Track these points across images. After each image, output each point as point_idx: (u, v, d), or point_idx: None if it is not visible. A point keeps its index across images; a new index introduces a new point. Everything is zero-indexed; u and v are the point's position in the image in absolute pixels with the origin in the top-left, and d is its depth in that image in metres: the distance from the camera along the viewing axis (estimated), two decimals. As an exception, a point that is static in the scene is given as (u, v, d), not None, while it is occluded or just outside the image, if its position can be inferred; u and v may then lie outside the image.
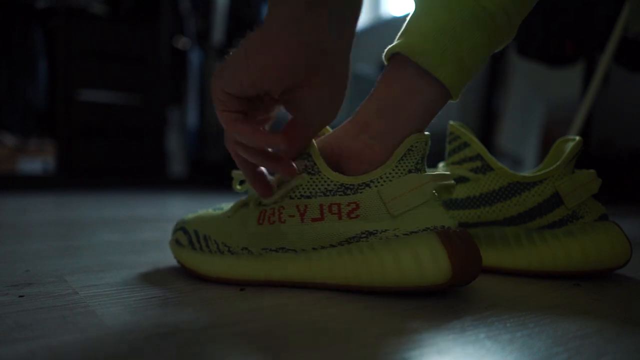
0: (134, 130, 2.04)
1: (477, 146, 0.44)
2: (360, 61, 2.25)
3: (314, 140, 0.36)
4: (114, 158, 2.00)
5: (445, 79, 0.34)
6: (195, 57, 2.28)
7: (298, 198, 0.36)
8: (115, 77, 1.99)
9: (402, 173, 0.34)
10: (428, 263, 0.32)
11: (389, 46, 0.36)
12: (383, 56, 0.38)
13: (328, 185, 0.35)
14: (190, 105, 2.27)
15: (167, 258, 0.50)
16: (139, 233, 0.68)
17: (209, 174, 2.31)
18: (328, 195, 0.35)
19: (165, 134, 2.11)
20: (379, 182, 0.34)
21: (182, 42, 2.24)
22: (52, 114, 1.93)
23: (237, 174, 0.41)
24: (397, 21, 2.10)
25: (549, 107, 1.78)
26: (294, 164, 0.36)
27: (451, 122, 0.47)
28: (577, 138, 0.42)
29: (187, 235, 0.41)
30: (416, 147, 0.34)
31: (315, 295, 0.35)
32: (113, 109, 1.98)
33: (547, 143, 1.74)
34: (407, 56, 0.34)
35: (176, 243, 0.42)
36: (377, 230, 0.34)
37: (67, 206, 1.14)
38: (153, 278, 0.40)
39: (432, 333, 0.27)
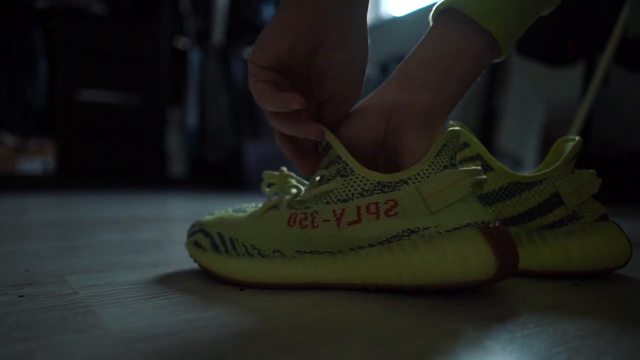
0: (134, 130, 2.04)
1: (477, 146, 0.44)
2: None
3: (339, 143, 0.36)
4: (114, 158, 2.00)
5: (496, 31, 0.34)
6: (195, 57, 2.28)
7: (335, 202, 0.35)
8: (115, 77, 1.99)
9: (438, 169, 0.33)
10: (473, 259, 0.31)
11: (437, 3, 0.36)
12: (430, 16, 0.38)
13: (365, 184, 0.34)
14: (190, 105, 2.27)
15: (167, 258, 0.50)
16: (139, 233, 0.68)
17: (209, 174, 2.31)
18: (365, 196, 0.34)
19: (165, 134, 2.11)
20: (416, 179, 0.33)
21: (182, 42, 2.24)
22: (52, 114, 1.93)
23: (267, 175, 0.41)
24: (397, 21, 2.10)
25: (549, 107, 1.78)
26: (321, 127, 0.36)
27: (451, 122, 0.47)
28: (577, 138, 0.42)
29: (209, 238, 0.40)
30: (450, 142, 0.34)
31: (324, 295, 0.35)
32: (113, 109, 1.98)
33: (547, 143, 1.74)
34: (457, 9, 0.35)
35: (195, 245, 0.41)
36: (418, 228, 0.33)
37: (67, 206, 1.14)
38: (153, 278, 0.40)
39: (431, 333, 0.27)
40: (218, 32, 2.31)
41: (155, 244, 0.59)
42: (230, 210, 0.43)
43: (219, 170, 2.39)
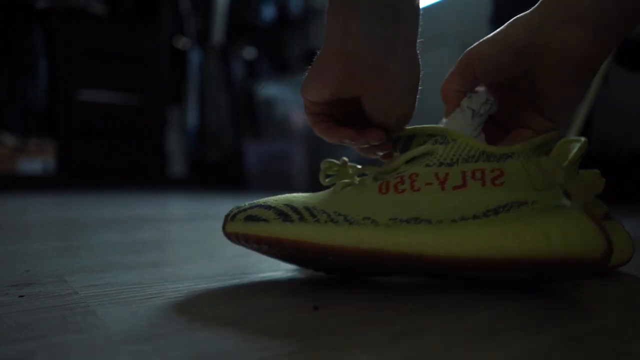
0: (134, 130, 2.04)
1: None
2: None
3: (426, 126, 0.35)
4: (114, 158, 2.00)
5: None
6: (195, 57, 2.28)
7: (437, 166, 0.34)
8: (115, 77, 1.99)
9: (539, 153, 0.34)
10: (590, 236, 0.31)
11: None
12: None
13: (469, 151, 0.34)
14: (190, 105, 2.27)
15: (167, 258, 0.50)
16: (139, 233, 0.68)
17: (209, 174, 2.31)
18: (470, 162, 0.33)
19: (165, 134, 2.11)
20: (521, 155, 0.33)
21: (182, 42, 2.24)
22: (52, 114, 1.93)
23: (326, 164, 0.38)
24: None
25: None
26: (379, 131, 0.35)
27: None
28: (582, 139, 0.42)
29: (271, 210, 0.35)
30: (551, 141, 0.34)
31: (323, 295, 0.35)
32: (113, 109, 1.98)
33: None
34: None
35: (248, 220, 0.35)
36: (527, 201, 0.32)
37: (67, 206, 1.14)
38: (153, 278, 0.40)
39: (433, 333, 0.27)
40: (218, 32, 2.31)
41: (155, 244, 0.59)
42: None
43: (219, 170, 2.39)
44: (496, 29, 0.36)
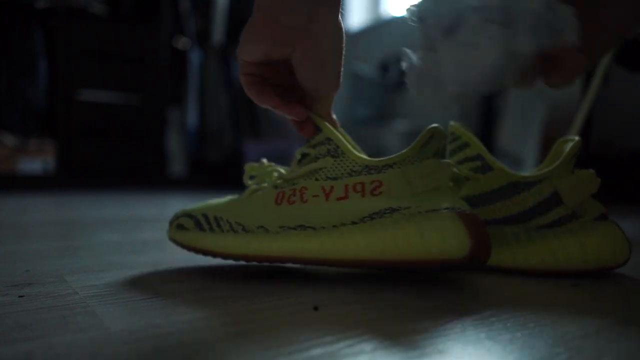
0: (134, 130, 2.04)
1: (477, 146, 0.44)
2: (361, 61, 2.25)
3: (331, 127, 0.38)
4: (114, 158, 2.00)
5: None
6: (195, 57, 2.28)
7: (324, 180, 0.38)
8: (115, 77, 1.99)
9: (425, 158, 0.36)
10: (451, 236, 0.33)
11: None
12: None
13: (353, 166, 0.37)
14: (190, 105, 2.27)
15: (167, 258, 0.50)
16: (139, 233, 0.68)
17: (209, 174, 2.31)
18: (353, 176, 0.37)
19: (165, 134, 2.11)
20: (402, 164, 0.36)
21: (182, 42, 2.24)
22: (52, 114, 1.93)
23: (249, 166, 0.43)
24: (397, 21, 2.10)
25: (549, 107, 1.78)
26: (302, 108, 0.39)
27: (451, 123, 0.47)
28: (577, 138, 0.42)
29: (192, 219, 0.42)
30: (436, 137, 0.36)
31: (323, 295, 0.35)
32: (113, 109, 1.98)
33: (547, 143, 1.74)
34: None
35: (178, 228, 0.43)
36: (400, 207, 0.35)
37: (67, 206, 1.14)
38: (153, 278, 0.40)
39: (433, 333, 0.27)
40: (218, 32, 2.31)
41: (155, 244, 0.59)
42: (212, 200, 0.45)
43: (219, 170, 2.39)
44: None
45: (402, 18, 2.06)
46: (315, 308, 0.31)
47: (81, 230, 0.71)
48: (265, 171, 0.42)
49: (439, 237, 0.33)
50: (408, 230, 0.34)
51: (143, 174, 2.06)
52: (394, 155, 0.36)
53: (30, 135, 1.92)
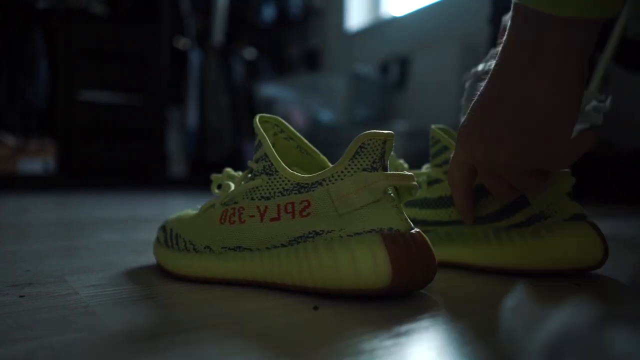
0: (134, 131, 2.04)
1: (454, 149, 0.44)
2: (360, 61, 2.25)
3: (268, 141, 0.37)
4: (114, 158, 2.00)
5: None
6: (195, 57, 2.28)
7: (259, 199, 0.37)
8: (115, 77, 1.99)
9: (355, 171, 0.33)
10: (365, 267, 0.31)
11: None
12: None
13: (285, 184, 0.35)
14: (190, 105, 2.27)
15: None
16: (139, 233, 0.68)
17: (209, 174, 2.31)
18: (285, 195, 0.35)
19: (165, 134, 2.11)
20: (330, 181, 0.33)
21: (182, 42, 2.24)
22: (52, 114, 1.93)
23: (215, 177, 0.43)
24: (397, 21, 2.10)
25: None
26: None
27: (433, 127, 0.47)
28: None
29: (164, 234, 0.43)
30: (370, 145, 0.32)
31: (323, 295, 0.35)
32: (113, 109, 1.98)
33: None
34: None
35: (157, 241, 0.44)
36: (323, 231, 0.33)
37: (67, 206, 1.14)
38: (153, 278, 0.40)
39: (432, 333, 0.27)
40: (218, 32, 2.31)
41: (155, 244, 0.59)
42: (191, 209, 0.45)
43: (219, 170, 2.39)
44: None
45: (402, 18, 2.06)
46: (315, 308, 0.32)
47: (82, 230, 0.71)
48: (224, 182, 0.41)
49: (352, 268, 0.31)
50: (323, 258, 0.32)
51: (143, 174, 2.06)
52: (325, 170, 0.34)
53: (31, 136, 1.92)
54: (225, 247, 0.38)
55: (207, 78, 2.32)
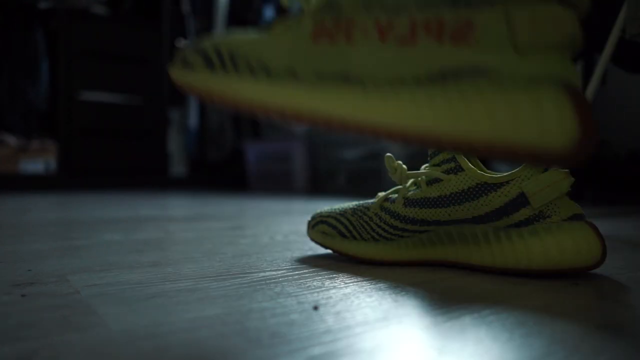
0: (135, 131, 2.04)
1: None
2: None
3: None
4: (115, 158, 2.00)
5: None
6: (195, 58, 2.28)
7: (380, 11, 0.27)
8: (116, 77, 1.99)
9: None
10: (552, 117, 0.23)
11: None
12: None
13: None
14: (191, 105, 2.27)
15: (168, 257, 0.50)
16: (140, 233, 0.68)
17: (209, 174, 2.31)
18: (426, 8, 0.26)
19: (166, 134, 2.12)
20: (510, 2, 0.25)
21: (183, 43, 2.24)
22: (53, 114, 1.93)
23: None
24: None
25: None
26: None
27: None
28: None
29: (203, 55, 0.30)
30: None
31: (323, 295, 0.35)
32: (114, 109, 1.99)
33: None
34: None
35: (182, 64, 0.31)
36: (487, 69, 0.25)
37: (68, 206, 1.14)
38: (154, 277, 0.41)
39: (432, 332, 0.27)
40: (219, 33, 2.31)
41: (156, 243, 0.59)
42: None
43: (220, 170, 2.39)
44: None
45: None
46: (315, 308, 0.32)
47: (83, 230, 0.71)
48: None
49: (535, 116, 0.24)
50: (495, 103, 0.24)
51: (144, 174, 2.06)
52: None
53: (32, 136, 1.92)
54: (321, 73, 0.27)
55: (207, 78, 2.33)
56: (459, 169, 0.44)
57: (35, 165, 1.91)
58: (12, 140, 1.87)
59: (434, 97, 0.25)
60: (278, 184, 2.00)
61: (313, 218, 0.52)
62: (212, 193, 1.76)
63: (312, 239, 0.51)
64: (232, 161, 2.41)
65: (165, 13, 2.11)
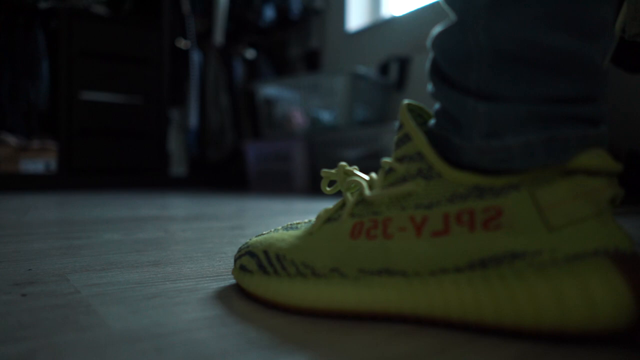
0: (135, 131, 2.04)
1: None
2: (360, 61, 2.25)
3: (422, 136, 0.29)
4: (116, 158, 2.00)
5: None
6: (196, 58, 2.28)
7: (413, 208, 0.28)
8: (116, 77, 2.00)
9: (563, 174, 0.26)
10: (603, 299, 0.23)
11: None
12: None
13: (456, 188, 0.27)
14: (192, 105, 2.27)
15: (168, 257, 0.50)
16: (140, 232, 0.68)
17: (209, 174, 2.31)
18: (456, 202, 0.27)
19: (166, 134, 2.12)
20: (532, 183, 0.26)
21: (183, 43, 2.24)
22: (54, 114, 1.94)
23: (325, 173, 0.35)
24: (397, 21, 2.10)
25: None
26: (402, 106, 0.31)
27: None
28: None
29: (254, 259, 0.33)
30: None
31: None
32: (115, 109, 1.99)
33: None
34: None
35: (241, 270, 0.35)
36: (525, 252, 0.25)
37: (68, 206, 1.14)
38: (154, 277, 0.41)
39: (432, 333, 0.27)
40: (219, 33, 2.31)
41: (156, 243, 0.59)
42: (280, 228, 0.36)
43: (220, 170, 2.40)
44: None
45: (402, 18, 2.06)
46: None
47: (83, 229, 0.71)
48: (343, 177, 0.34)
49: (586, 301, 0.23)
50: (538, 288, 0.24)
51: (144, 173, 2.06)
52: (519, 174, 0.26)
53: (33, 136, 1.92)
54: (364, 271, 0.29)
55: (207, 78, 2.33)
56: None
57: (36, 164, 1.91)
58: (12, 139, 1.87)
59: (475, 284, 0.26)
60: (278, 183, 2.01)
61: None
62: (212, 193, 1.77)
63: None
64: (232, 161, 2.41)
65: (165, 13, 2.11)
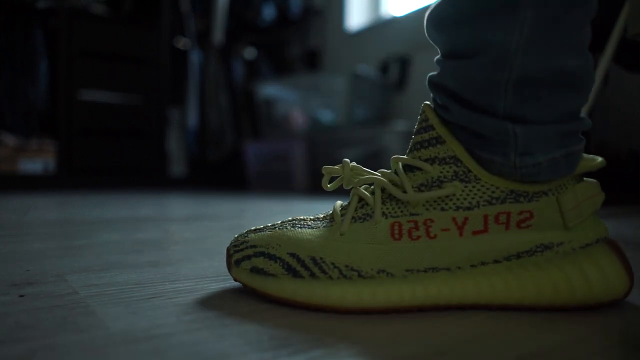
0: (134, 130, 2.04)
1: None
2: (360, 61, 2.25)
3: (457, 142, 0.32)
4: (115, 158, 2.00)
5: None
6: (195, 57, 2.28)
7: (454, 209, 0.31)
8: (116, 77, 1.99)
9: (574, 180, 0.32)
10: (613, 276, 0.31)
11: None
12: None
13: (493, 192, 0.31)
14: (191, 105, 2.27)
15: (167, 257, 0.50)
16: (139, 233, 0.68)
17: (209, 174, 2.31)
18: (494, 204, 0.31)
19: (165, 134, 2.11)
20: (558, 190, 0.32)
21: (182, 42, 2.24)
22: (53, 114, 1.93)
23: (327, 169, 0.35)
24: (397, 21, 2.10)
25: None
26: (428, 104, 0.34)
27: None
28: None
29: (278, 262, 0.32)
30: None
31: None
32: (114, 109, 1.99)
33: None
34: None
35: (254, 272, 0.33)
36: (552, 244, 0.31)
37: (67, 206, 1.14)
38: (153, 278, 0.41)
39: (432, 333, 0.27)
40: (218, 33, 2.31)
41: (155, 243, 0.59)
42: (285, 224, 0.35)
43: (219, 170, 2.39)
44: None
45: (402, 18, 2.06)
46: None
47: (82, 230, 0.71)
48: (349, 174, 0.35)
49: (601, 278, 0.31)
50: (567, 270, 0.31)
51: (143, 173, 2.06)
52: (550, 181, 0.32)
53: (31, 136, 1.92)
54: (412, 270, 0.31)
55: (207, 78, 2.32)
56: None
57: (35, 165, 1.90)
58: (11, 139, 1.87)
59: (513, 272, 0.31)
60: (278, 183, 2.00)
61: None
62: (212, 193, 1.76)
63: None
64: (231, 161, 2.41)
65: (165, 13, 2.11)
